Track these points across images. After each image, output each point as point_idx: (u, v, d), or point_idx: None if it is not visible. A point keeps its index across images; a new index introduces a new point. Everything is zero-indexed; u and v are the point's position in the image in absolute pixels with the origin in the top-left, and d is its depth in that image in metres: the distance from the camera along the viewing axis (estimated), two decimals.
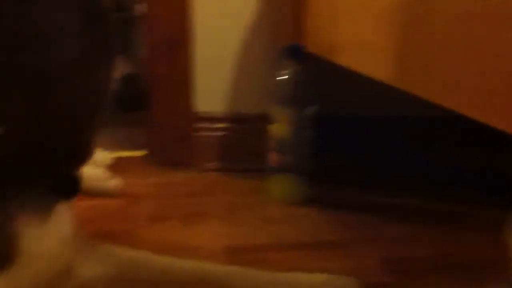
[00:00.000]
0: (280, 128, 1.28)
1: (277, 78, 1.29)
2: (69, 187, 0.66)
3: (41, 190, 0.61)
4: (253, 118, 1.47)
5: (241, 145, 1.48)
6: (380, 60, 0.94)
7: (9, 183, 0.57)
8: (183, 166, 1.46)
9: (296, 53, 1.29)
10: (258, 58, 1.47)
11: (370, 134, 1.54)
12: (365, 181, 1.43)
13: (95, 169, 1.33)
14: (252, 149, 1.43)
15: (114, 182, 1.31)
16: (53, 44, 0.61)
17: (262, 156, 1.33)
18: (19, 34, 0.58)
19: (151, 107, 1.51)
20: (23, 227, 0.58)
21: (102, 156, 1.43)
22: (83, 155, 0.67)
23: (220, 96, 1.49)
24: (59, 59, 0.61)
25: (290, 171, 1.30)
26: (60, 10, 0.63)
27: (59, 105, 0.61)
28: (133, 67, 2.13)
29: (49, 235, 0.65)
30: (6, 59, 0.57)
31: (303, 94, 1.28)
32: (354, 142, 1.53)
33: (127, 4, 1.98)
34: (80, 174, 0.68)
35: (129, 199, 1.27)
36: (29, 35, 0.59)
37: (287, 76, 1.28)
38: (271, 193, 1.32)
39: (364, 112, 1.53)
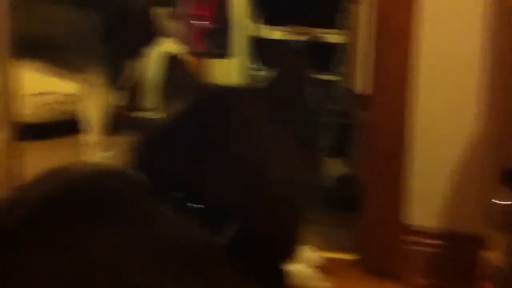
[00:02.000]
0: (496, 256, 1.24)
1: (496, 202, 1.26)
2: (275, 281, 0.74)
3: (251, 282, 0.69)
4: (467, 238, 1.43)
5: (452, 264, 1.45)
6: None
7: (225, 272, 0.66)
8: (391, 277, 1.47)
9: None
10: (476, 176, 1.45)
11: None
12: None
13: (306, 268, 1.41)
14: (464, 270, 1.39)
15: (321, 284, 1.37)
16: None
17: (474, 280, 1.29)
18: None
19: (362, 212, 1.57)
20: None
21: (313, 255, 1.50)
22: (290, 252, 0.76)
23: (433, 210, 1.49)
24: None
25: None
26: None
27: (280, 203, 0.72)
28: (350, 169, 2.23)
29: None
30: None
31: None
32: None
33: (349, 112, 2.11)
34: (286, 270, 0.75)
35: None
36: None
37: (507, 202, 1.25)
38: None
39: None
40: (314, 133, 0.82)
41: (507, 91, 1.39)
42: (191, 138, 0.73)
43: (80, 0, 2.31)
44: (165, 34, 2.35)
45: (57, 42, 2.26)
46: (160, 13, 2.30)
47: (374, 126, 1.53)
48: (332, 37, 2.31)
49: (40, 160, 2.49)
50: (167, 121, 0.79)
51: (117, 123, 3.25)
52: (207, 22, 2.10)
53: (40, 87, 2.83)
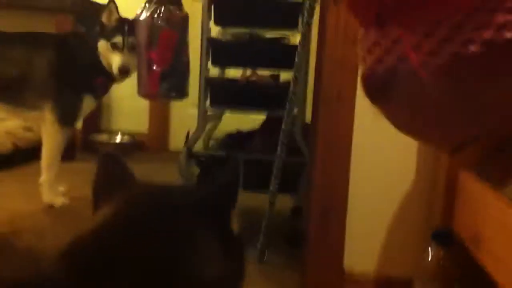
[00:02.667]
0: None
1: (424, 258, 1.34)
2: None
3: None
4: (401, 283, 1.51)
5: None
6: None
7: None
8: None
9: (443, 237, 1.34)
10: (409, 229, 1.54)
11: None
12: None
13: None
14: None
15: None
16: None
17: None
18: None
19: (304, 263, 1.63)
20: None
21: None
22: None
23: (371, 257, 1.57)
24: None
25: None
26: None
27: None
28: (299, 201, 2.30)
29: None
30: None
31: (446, 277, 1.32)
32: None
33: (302, 151, 2.18)
34: None
35: None
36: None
37: (431, 257, 1.33)
38: None
39: None
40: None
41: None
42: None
43: (30, 39, 2.36)
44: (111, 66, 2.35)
45: (10, 81, 2.30)
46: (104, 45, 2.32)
47: (316, 185, 1.60)
48: (285, 75, 2.36)
49: None
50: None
51: (75, 147, 3.28)
52: (160, 66, 2.14)
53: None
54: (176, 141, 3.44)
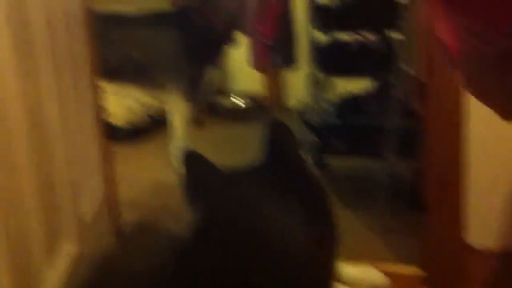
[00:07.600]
0: None
1: None
2: None
3: None
4: None
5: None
6: None
7: None
8: None
9: None
10: None
11: None
12: None
13: None
14: None
15: None
16: None
17: None
18: None
19: (425, 231, 1.57)
20: None
21: (374, 275, 1.53)
22: None
23: (493, 231, 1.48)
24: None
25: None
26: None
27: None
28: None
29: None
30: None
31: None
32: None
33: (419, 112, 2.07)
34: None
35: None
36: None
37: None
38: None
39: None
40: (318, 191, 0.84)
41: None
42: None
43: (156, 21, 2.43)
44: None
45: (140, 62, 2.44)
46: None
47: (429, 153, 1.53)
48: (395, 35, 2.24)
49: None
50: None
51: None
52: (269, 37, 2.14)
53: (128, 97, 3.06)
54: (293, 98, 3.42)
